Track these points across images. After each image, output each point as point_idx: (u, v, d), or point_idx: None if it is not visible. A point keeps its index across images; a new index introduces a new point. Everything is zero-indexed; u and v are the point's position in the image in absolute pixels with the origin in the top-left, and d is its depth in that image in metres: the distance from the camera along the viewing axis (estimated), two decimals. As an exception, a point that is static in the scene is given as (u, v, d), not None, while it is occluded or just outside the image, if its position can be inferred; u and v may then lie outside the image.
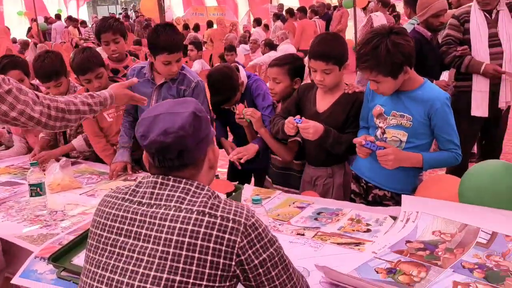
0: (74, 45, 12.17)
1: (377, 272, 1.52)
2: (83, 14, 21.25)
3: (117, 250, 1.14)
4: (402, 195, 1.96)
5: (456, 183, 1.94)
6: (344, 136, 2.21)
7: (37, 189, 2.23)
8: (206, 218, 1.10)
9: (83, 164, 2.95)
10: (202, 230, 1.08)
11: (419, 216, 1.82)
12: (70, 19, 15.50)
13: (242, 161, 2.47)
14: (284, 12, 12.38)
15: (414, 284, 1.45)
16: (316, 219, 1.98)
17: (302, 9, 10.87)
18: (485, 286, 1.41)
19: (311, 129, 2.14)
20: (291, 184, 2.56)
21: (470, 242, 1.64)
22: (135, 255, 1.11)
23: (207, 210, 1.11)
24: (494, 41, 3.37)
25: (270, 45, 8.30)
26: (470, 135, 3.61)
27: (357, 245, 1.72)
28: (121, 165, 2.68)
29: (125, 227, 1.15)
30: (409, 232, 1.76)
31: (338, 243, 1.75)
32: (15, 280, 1.73)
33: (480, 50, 3.37)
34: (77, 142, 2.98)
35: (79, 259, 1.73)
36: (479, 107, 3.43)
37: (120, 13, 19.31)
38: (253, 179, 2.98)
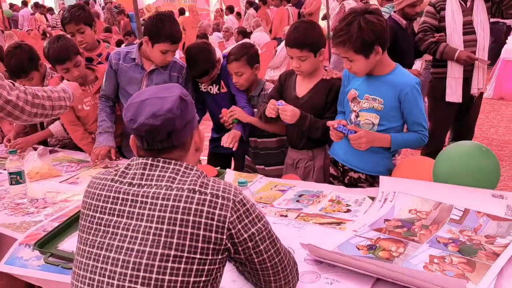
0: (42, 32, 11.81)
1: (358, 249, 1.59)
2: (50, 0, 20.59)
3: (111, 229, 1.16)
4: (380, 176, 2.04)
5: (431, 164, 2.03)
6: (321, 121, 2.28)
7: (17, 177, 2.21)
8: (197, 196, 1.14)
9: (61, 153, 2.91)
10: (194, 206, 1.13)
11: (396, 196, 1.90)
12: (36, 5, 15.01)
13: (234, 148, 2.50)
14: (256, 0, 12.35)
15: (394, 259, 1.52)
16: (298, 201, 2.04)
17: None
18: (459, 259, 1.50)
19: (288, 112, 2.23)
20: (270, 162, 2.65)
21: (444, 219, 1.73)
22: (129, 233, 1.14)
23: (197, 188, 1.16)
24: (468, 29, 3.47)
25: (244, 33, 8.29)
26: (446, 120, 3.74)
27: (338, 225, 1.79)
28: (106, 149, 2.63)
29: (117, 207, 1.18)
30: (387, 211, 1.84)
31: (320, 223, 1.81)
32: None
33: (454, 38, 3.48)
34: (55, 127, 2.93)
35: (64, 245, 1.74)
36: (454, 93, 3.55)
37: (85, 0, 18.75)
38: (233, 163, 3.02)
